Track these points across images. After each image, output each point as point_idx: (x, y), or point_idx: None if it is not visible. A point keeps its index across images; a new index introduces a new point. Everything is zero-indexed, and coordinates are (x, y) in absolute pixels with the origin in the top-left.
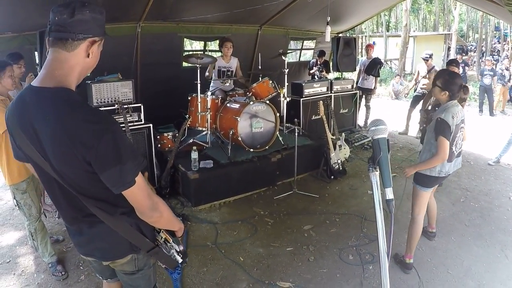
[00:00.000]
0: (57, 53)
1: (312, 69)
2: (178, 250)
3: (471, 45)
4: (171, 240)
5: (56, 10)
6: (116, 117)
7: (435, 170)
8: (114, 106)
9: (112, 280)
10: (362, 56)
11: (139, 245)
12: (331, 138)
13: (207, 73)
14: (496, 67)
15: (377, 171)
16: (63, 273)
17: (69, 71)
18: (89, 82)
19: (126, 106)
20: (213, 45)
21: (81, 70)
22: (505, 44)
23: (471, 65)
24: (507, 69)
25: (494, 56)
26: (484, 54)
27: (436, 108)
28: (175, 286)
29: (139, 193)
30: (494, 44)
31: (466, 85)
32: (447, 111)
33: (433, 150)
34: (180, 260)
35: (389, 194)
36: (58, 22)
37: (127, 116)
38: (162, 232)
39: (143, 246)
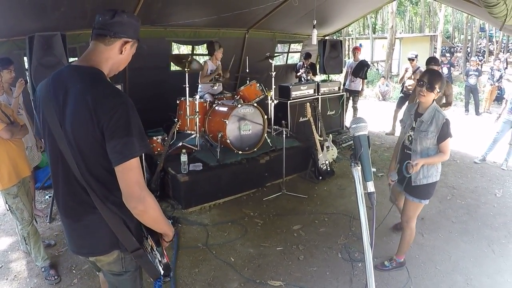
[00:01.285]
0: (97, 46)
1: (299, 71)
2: (161, 261)
3: (457, 46)
4: (155, 249)
5: (101, 13)
6: None
7: (439, 174)
8: None
9: None
10: (348, 58)
11: (125, 242)
12: (319, 140)
13: (201, 79)
14: (481, 67)
15: (359, 166)
16: (56, 277)
17: (103, 60)
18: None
19: None
20: (201, 49)
21: (113, 64)
22: (490, 44)
23: (457, 65)
24: (498, 69)
25: (479, 57)
26: (470, 54)
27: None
28: None
29: (131, 175)
30: (480, 44)
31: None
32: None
33: (431, 153)
34: (162, 272)
35: (371, 187)
36: (101, 22)
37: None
38: (149, 239)
39: (129, 245)
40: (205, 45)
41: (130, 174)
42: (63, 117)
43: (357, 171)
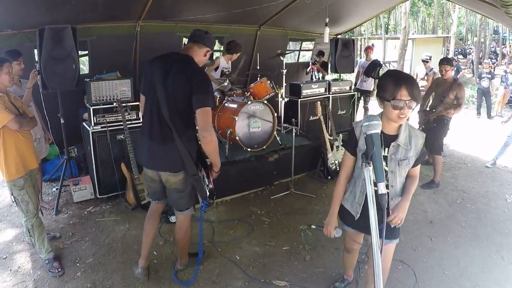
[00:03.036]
0: (193, 46)
1: (309, 66)
2: (209, 187)
3: (469, 48)
4: (205, 177)
5: (197, 29)
6: (114, 115)
7: None
8: (113, 104)
9: (159, 202)
10: (360, 58)
11: (188, 167)
12: (329, 139)
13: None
14: (494, 70)
15: (370, 166)
16: (59, 269)
17: (194, 55)
18: (87, 80)
19: (124, 104)
20: None
21: (198, 61)
22: (503, 47)
23: (466, 68)
24: (511, 72)
25: (492, 60)
26: (483, 57)
27: (434, 110)
28: (200, 219)
29: (206, 115)
30: (493, 47)
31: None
32: None
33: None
34: (208, 193)
35: (382, 189)
36: (198, 34)
37: (125, 114)
38: (203, 170)
39: (191, 170)
40: (216, 41)
41: (205, 115)
42: (166, 80)
43: (368, 171)
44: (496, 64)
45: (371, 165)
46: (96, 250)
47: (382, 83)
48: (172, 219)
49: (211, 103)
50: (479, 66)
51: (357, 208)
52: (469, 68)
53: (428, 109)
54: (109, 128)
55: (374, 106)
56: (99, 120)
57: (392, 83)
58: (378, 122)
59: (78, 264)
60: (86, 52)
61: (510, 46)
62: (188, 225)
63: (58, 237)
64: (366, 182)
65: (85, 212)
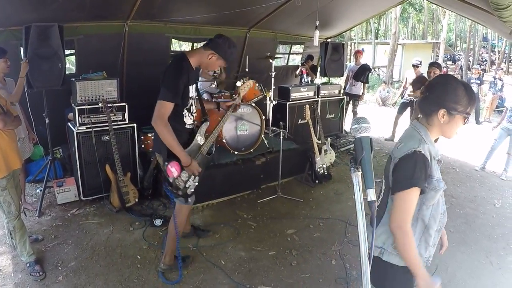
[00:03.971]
0: (200, 48)
1: (298, 68)
2: (173, 177)
3: (459, 54)
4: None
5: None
6: (100, 116)
7: None
8: (98, 104)
9: None
10: (350, 62)
11: (163, 152)
12: (317, 143)
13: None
14: (483, 76)
15: (359, 171)
16: (41, 273)
17: (195, 55)
18: (73, 79)
19: (110, 105)
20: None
21: (202, 62)
22: (492, 54)
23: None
24: (500, 79)
25: (481, 66)
26: (472, 63)
27: None
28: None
29: (158, 108)
30: (482, 53)
31: None
32: None
33: None
34: (172, 184)
35: (371, 195)
36: (212, 38)
37: (111, 115)
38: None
39: (163, 155)
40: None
41: (158, 107)
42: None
43: (357, 177)
44: (485, 70)
45: (360, 170)
46: (78, 254)
47: (457, 94)
48: (157, 222)
49: (168, 97)
50: (468, 72)
51: (430, 251)
52: (458, 74)
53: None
54: (94, 129)
55: (363, 111)
56: (84, 121)
57: (468, 96)
58: (368, 125)
59: (60, 268)
60: (73, 51)
61: (499, 53)
62: (181, 218)
63: (41, 240)
64: (354, 188)
65: (69, 214)
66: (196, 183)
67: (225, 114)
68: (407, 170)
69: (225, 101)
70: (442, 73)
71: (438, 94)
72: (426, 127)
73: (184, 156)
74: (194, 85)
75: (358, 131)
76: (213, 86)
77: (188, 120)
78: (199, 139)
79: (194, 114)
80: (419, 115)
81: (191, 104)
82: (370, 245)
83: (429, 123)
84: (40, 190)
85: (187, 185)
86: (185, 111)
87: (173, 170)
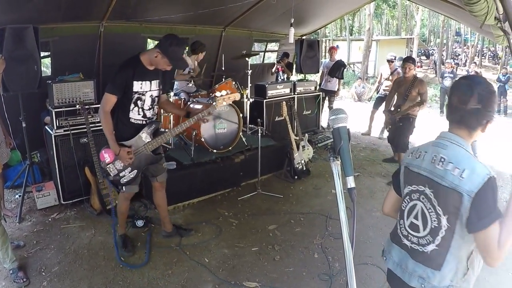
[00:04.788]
0: (154, 48)
1: (274, 66)
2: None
3: (432, 49)
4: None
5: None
6: (78, 118)
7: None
8: (76, 106)
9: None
10: (325, 58)
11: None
12: (295, 139)
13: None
14: (456, 70)
15: (338, 160)
16: (24, 279)
17: (147, 55)
18: (49, 82)
19: (87, 106)
20: None
21: (150, 60)
22: (465, 48)
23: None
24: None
25: (454, 60)
26: (445, 58)
27: (399, 109)
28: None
29: (103, 99)
30: (455, 48)
31: None
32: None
33: None
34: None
35: (351, 182)
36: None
37: (88, 116)
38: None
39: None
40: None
41: (103, 100)
42: None
43: (336, 166)
44: (459, 64)
45: (339, 159)
46: (61, 258)
47: (494, 100)
48: (139, 223)
49: (109, 89)
50: (442, 66)
51: None
52: (432, 68)
53: (393, 109)
54: (72, 132)
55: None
56: (61, 123)
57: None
58: (345, 116)
59: (43, 273)
60: (48, 53)
61: (472, 47)
62: (119, 205)
63: (22, 246)
64: (334, 177)
65: (50, 219)
66: (132, 175)
67: (186, 121)
68: (489, 202)
69: (201, 105)
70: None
71: (492, 106)
72: (467, 141)
73: (112, 145)
74: (149, 82)
75: (335, 122)
76: (190, 85)
77: (136, 114)
78: (144, 136)
79: (150, 111)
80: (456, 126)
81: (141, 100)
82: (353, 232)
83: (471, 135)
84: (19, 196)
85: (121, 174)
86: (132, 105)
87: (106, 156)
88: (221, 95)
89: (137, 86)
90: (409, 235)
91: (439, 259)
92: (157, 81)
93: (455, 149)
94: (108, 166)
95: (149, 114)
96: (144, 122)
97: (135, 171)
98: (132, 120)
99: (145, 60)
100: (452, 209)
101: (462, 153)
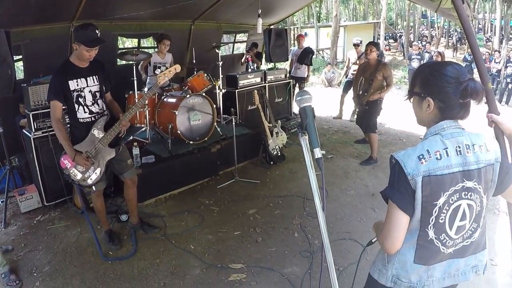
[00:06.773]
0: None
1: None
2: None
3: (400, 32)
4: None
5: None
6: None
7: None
8: None
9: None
10: (294, 46)
11: None
12: (268, 126)
13: (141, 72)
14: (423, 51)
15: (306, 135)
16: (17, 282)
17: (73, 54)
18: (24, 85)
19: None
20: (146, 42)
21: (76, 56)
22: (432, 30)
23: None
24: (428, 51)
25: (422, 42)
26: (412, 40)
27: (366, 93)
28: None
29: (51, 110)
30: (422, 30)
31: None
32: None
33: None
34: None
35: (318, 153)
36: None
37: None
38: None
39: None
40: (151, 38)
41: (50, 109)
42: None
43: (304, 140)
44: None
45: (306, 134)
46: (51, 258)
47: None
48: (123, 217)
49: (49, 97)
50: (410, 48)
51: None
52: (400, 51)
53: (360, 93)
54: (50, 133)
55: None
56: (39, 125)
57: None
58: (309, 96)
59: (35, 274)
60: (21, 56)
61: (438, 28)
62: (94, 204)
63: (11, 250)
64: (303, 149)
65: (35, 222)
66: (98, 173)
67: (132, 108)
68: (506, 156)
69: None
70: (377, 52)
71: (431, 87)
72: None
73: (68, 151)
74: (84, 79)
75: (301, 102)
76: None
77: (82, 113)
78: (96, 132)
79: (94, 106)
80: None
81: (81, 96)
82: (323, 199)
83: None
84: (2, 201)
85: (86, 176)
86: (76, 105)
87: (65, 162)
88: (161, 71)
89: (73, 84)
90: (454, 242)
91: (483, 238)
92: (94, 76)
93: (464, 131)
94: (71, 172)
95: (94, 109)
96: (93, 119)
97: (99, 168)
98: (81, 120)
99: (74, 59)
100: (489, 184)
101: (470, 132)
